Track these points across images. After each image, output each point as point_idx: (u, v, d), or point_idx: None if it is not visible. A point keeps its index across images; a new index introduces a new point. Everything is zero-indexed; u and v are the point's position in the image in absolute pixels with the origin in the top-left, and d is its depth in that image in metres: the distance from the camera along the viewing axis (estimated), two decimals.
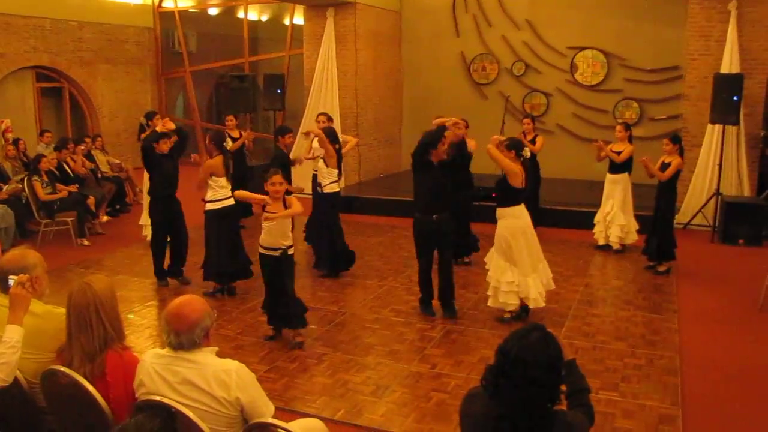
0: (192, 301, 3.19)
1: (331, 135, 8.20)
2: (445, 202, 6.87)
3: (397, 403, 5.16)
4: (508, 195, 6.61)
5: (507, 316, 6.78)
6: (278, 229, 6.06)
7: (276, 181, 5.98)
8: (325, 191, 8.24)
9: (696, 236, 10.14)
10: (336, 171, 8.22)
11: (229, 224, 7.63)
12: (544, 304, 6.77)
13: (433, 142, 6.69)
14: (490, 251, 6.89)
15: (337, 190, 8.37)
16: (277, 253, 6.05)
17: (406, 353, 6.08)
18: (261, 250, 6.18)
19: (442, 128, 6.94)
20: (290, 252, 6.17)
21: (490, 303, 6.84)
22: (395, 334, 6.54)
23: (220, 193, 7.42)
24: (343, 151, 8.76)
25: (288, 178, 7.90)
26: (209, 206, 7.46)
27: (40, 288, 3.56)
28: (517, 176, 6.47)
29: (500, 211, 6.65)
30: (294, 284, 6.31)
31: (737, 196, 10.29)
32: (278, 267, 6.12)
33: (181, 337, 3.09)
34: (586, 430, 2.76)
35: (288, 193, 6.24)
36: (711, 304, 7.43)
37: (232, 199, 7.42)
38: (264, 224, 6.05)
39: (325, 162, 8.20)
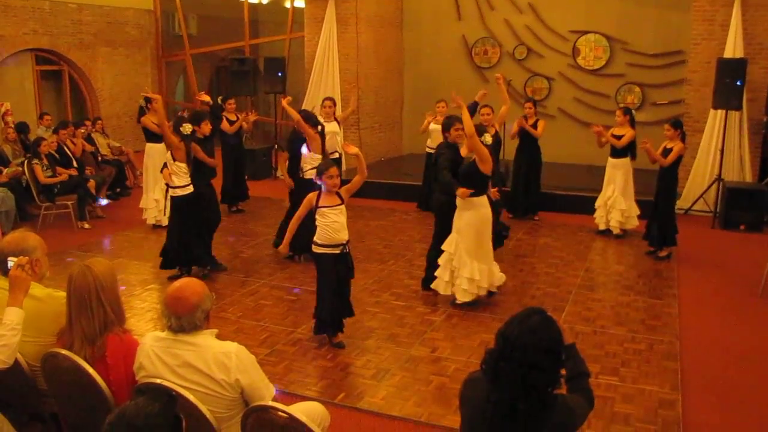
0: (191, 284, 3.18)
1: (309, 119, 7.91)
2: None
3: (397, 386, 5.17)
4: (478, 182, 6.46)
5: (459, 302, 6.74)
6: (340, 223, 5.72)
7: (333, 173, 5.73)
8: (305, 177, 7.82)
9: (697, 222, 10.13)
10: (320, 156, 7.71)
11: (196, 209, 7.50)
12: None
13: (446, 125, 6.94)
14: (453, 238, 6.68)
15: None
16: (337, 251, 5.73)
17: (406, 337, 6.09)
18: (319, 250, 5.75)
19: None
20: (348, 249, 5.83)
21: (441, 290, 6.79)
22: (396, 318, 6.55)
23: (184, 179, 7.30)
24: (343, 115, 8.62)
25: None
26: (177, 192, 7.35)
27: (40, 271, 3.56)
28: (488, 163, 6.39)
29: (471, 201, 6.45)
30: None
31: (739, 182, 10.26)
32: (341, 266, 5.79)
33: (182, 320, 3.10)
34: (585, 414, 2.76)
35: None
36: (711, 290, 7.44)
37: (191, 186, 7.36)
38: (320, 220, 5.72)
39: (307, 146, 7.88)
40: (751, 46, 10.30)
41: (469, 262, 6.53)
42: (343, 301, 5.89)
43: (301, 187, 7.69)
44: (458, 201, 6.54)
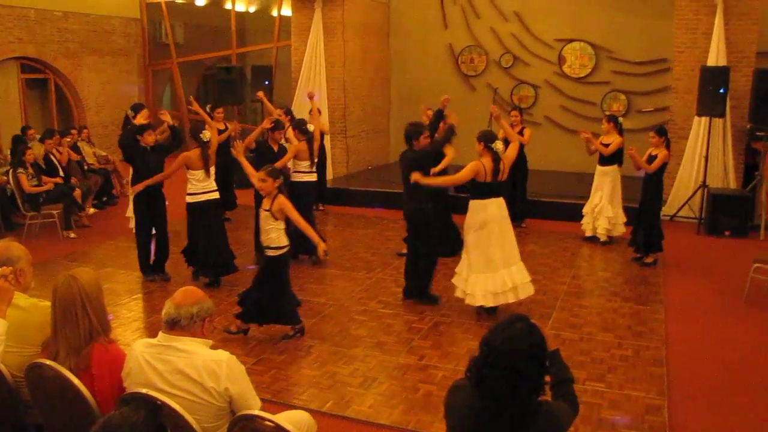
0: (198, 289, 3.32)
1: (298, 126, 8.31)
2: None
3: (384, 394, 5.17)
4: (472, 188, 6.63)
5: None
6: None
7: (259, 176, 5.95)
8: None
9: (682, 228, 10.19)
10: (307, 162, 8.33)
11: (210, 217, 7.65)
12: (491, 304, 6.65)
13: (414, 134, 6.89)
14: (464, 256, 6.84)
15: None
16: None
17: (393, 345, 6.09)
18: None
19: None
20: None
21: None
22: (383, 326, 6.55)
23: (197, 187, 7.48)
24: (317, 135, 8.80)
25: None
26: (189, 199, 7.55)
27: (24, 281, 3.55)
28: (473, 172, 6.45)
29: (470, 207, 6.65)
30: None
31: (723, 188, 10.34)
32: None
33: (181, 310, 3.13)
34: (570, 420, 2.77)
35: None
36: (697, 296, 7.48)
37: (215, 192, 7.57)
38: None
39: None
40: (733, 54, 10.40)
41: (473, 277, 6.58)
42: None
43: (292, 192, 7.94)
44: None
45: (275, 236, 5.92)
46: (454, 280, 6.87)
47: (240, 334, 6.20)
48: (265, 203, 5.93)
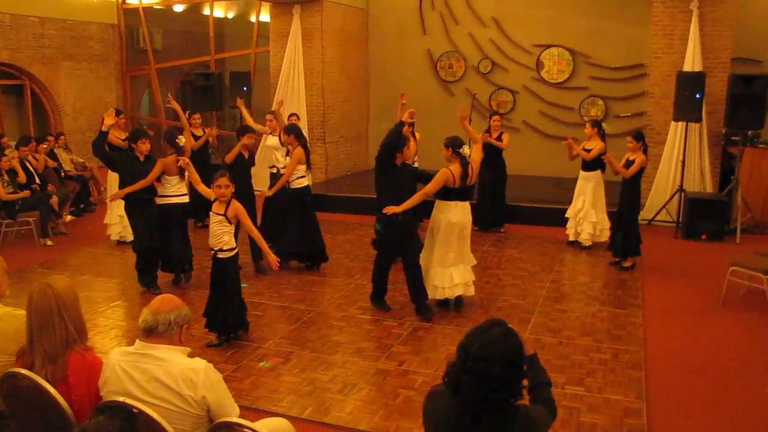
0: (175, 297, 3.31)
1: (291, 130, 8.36)
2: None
3: (364, 400, 5.16)
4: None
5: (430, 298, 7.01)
6: (213, 231, 6.08)
7: (222, 183, 5.98)
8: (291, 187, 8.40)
9: (660, 232, 10.28)
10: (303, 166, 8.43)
11: (178, 219, 7.73)
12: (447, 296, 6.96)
13: (399, 146, 6.75)
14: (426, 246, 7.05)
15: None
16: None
17: (373, 351, 6.09)
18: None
19: (401, 125, 6.97)
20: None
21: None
22: (362, 332, 6.54)
23: (170, 190, 7.55)
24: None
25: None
26: (160, 200, 7.61)
27: None
28: (443, 181, 6.61)
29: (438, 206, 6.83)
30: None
31: (700, 193, 10.45)
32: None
33: (159, 317, 3.12)
34: (548, 424, 2.78)
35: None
36: (675, 299, 7.54)
37: (186, 197, 7.67)
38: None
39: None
40: (708, 60, 10.53)
41: (441, 270, 6.81)
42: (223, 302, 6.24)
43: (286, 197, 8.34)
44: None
45: (227, 239, 6.07)
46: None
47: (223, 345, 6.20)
48: (218, 207, 6.01)
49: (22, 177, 9.91)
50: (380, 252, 7.10)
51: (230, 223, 6.02)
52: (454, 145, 6.66)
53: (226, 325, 6.21)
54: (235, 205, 6.01)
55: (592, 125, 9.20)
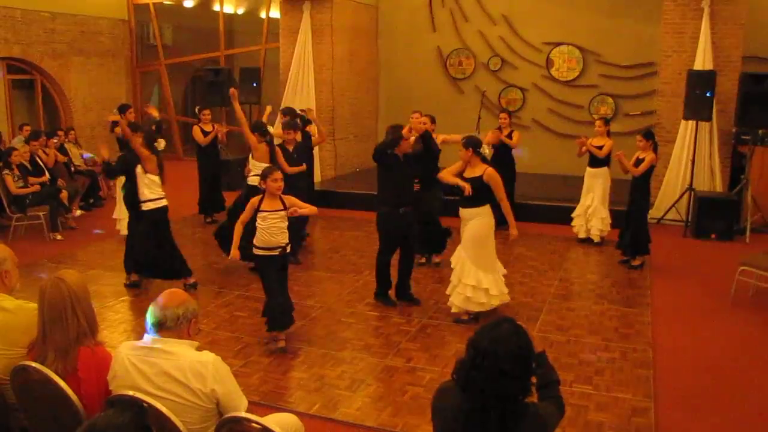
0: (182, 291, 3.34)
1: (257, 128, 8.18)
2: (410, 196, 6.95)
3: (372, 396, 5.17)
4: (484, 194, 6.49)
5: (465, 317, 6.65)
6: (277, 227, 5.87)
7: (277, 177, 5.83)
8: (249, 183, 8.13)
9: (669, 231, 10.24)
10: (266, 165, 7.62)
11: (165, 224, 7.44)
12: (505, 300, 6.78)
13: (392, 144, 6.78)
14: (458, 251, 6.69)
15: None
16: (276, 252, 5.91)
17: (381, 347, 6.09)
18: (259, 252, 5.96)
19: (399, 127, 6.95)
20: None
21: (455, 303, 6.67)
22: (370, 329, 6.55)
23: (156, 192, 7.19)
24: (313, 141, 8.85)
25: None
26: (150, 205, 7.19)
27: (10, 282, 3.53)
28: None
29: (475, 210, 6.48)
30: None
31: (709, 192, 10.41)
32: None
33: (167, 311, 3.13)
34: (556, 421, 2.78)
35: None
36: (683, 298, 7.52)
37: (165, 200, 7.33)
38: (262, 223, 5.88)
39: (252, 154, 8.17)
40: (719, 58, 10.48)
41: (474, 270, 6.47)
42: (286, 298, 6.14)
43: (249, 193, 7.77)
44: (461, 213, 6.59)
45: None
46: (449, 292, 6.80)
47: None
48: (273, 204, 5.84)
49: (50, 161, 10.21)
50: (381, 247, 7.09)
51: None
52: (475, 145, 6.43)
53: (270, 320, 6.05)
54: (287, 197, 5.93)
55: (604, 123, 9.24)
